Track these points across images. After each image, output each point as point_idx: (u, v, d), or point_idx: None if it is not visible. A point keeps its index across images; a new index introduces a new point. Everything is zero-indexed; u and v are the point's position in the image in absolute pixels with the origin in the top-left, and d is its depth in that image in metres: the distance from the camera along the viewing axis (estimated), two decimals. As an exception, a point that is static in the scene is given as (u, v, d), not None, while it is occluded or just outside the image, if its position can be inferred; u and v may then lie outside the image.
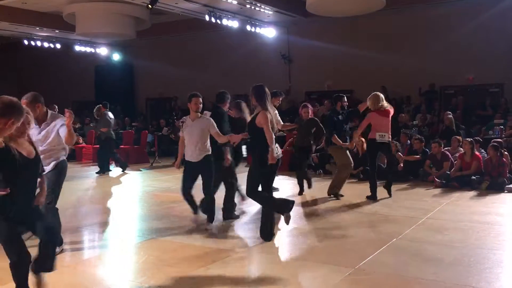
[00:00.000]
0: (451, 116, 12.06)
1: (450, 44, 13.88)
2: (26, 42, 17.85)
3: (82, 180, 11.30)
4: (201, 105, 6.25)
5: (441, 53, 14.06)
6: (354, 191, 8.89)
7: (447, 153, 10.05)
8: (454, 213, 7.10)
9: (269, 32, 16.13)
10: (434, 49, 14.17)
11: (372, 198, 8.13)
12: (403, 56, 14.35)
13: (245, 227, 6.45)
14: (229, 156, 6.61)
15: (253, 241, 5.72)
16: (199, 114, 6.20)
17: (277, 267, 4.90)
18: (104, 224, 6.94)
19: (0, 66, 21.28)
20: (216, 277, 4.60)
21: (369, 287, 4.34)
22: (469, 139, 9.80)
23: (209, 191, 6.31)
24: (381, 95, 8.23)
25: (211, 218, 6.40)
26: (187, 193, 6.34)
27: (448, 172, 9.58)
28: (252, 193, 5.74)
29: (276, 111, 8.14)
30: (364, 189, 8.83)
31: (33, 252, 3.72)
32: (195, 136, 6.11)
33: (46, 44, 18.16)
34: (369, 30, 15.02)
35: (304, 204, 8.05)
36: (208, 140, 6.24)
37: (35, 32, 17.33)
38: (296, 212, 7.56)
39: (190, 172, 6.29)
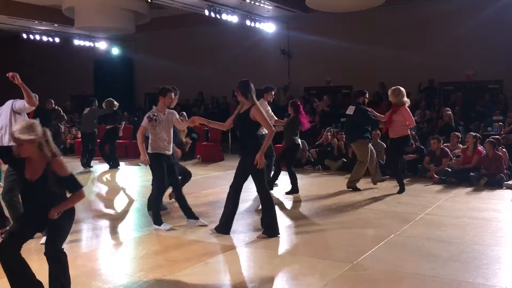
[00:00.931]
0: (450, 112, 12.06)
1: (449, 40, 13.87)
2: (24, 35, 17.80)
3: (80, 175, 11.29)
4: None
5: (440, 49, 14.05)
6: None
7: (446, 149, 10.04)
8: (452, 209, 7.11)
9: (268, 27, 16.08)
10: (433, 45, 14.17)
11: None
12: (403, 52, 14.32)
13: (243, 222, 6.45)
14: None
15: (251, 236, 5.73)
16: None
17: (275, 262, 4.91)
18: (102, 219, 6.95)
19: (-2, 60, 21.27)
20: (214, 272, 4.62)
21: (366, 282, 4.35)
22: (473, 134, 9.79)
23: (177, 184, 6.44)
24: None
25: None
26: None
27: (447, 169, 9.58)
28: (263, 189, 5.59)
29: (269, 107, 8.17)
30: (363, 185, 8.84)
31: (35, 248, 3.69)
32: (169, 129, 6.24)
33: (45, 38, 18.11)
34: (369, 25, 15.00)
35: (302, 200, 8.06)
36: None
37: (34, 25, 17.29)
38: (294, 208, 7.59)
39: (165, 166, 6.23)
